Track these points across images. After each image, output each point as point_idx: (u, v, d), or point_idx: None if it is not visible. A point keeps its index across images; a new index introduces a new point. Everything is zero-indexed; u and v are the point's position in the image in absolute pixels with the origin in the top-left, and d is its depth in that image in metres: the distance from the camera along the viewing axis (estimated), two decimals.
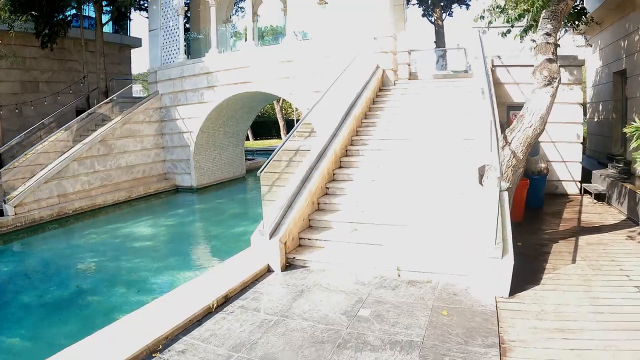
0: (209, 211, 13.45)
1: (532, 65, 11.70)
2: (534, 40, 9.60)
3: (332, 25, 12.52)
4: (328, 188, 7.41)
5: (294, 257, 6.15)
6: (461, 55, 16.83)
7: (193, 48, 17.79)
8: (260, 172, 5.84)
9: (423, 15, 18.84)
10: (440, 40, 18.48)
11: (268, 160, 6.04)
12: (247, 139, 35.10)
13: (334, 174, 7.77)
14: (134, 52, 26.19)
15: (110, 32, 24.65)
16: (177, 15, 15.96)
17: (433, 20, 18.71)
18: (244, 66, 13.82)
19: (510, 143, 6.15)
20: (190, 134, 15.73)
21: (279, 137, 35.41)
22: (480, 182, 6.45)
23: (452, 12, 20.72)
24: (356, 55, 10.24)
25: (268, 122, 39.73)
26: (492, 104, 6.59)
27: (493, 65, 11.12)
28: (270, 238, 5.98)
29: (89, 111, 15.04)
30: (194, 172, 16.02)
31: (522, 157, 6.20)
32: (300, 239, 6.51)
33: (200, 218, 13.18)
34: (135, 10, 22.47)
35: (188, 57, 16.14)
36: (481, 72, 9.52)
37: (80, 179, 14.40)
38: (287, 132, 27.91)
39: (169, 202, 15.43)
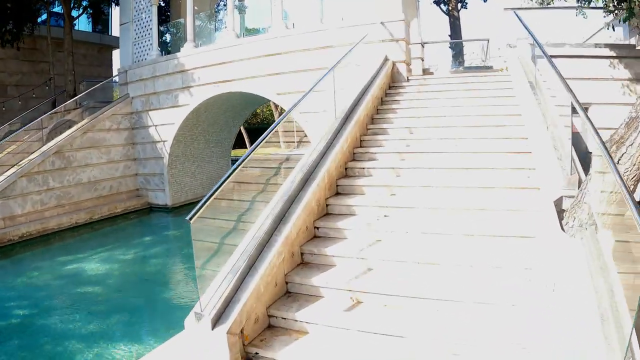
0: (180, 239, 10.99)
1: (586, 57, 9.39)
2: (613, 11, 7.22)
3: (329, 10, 10.16)
4: (318, 228, 4.95)
5: (256, 353, 3.70)
6: (483, 48, 14.42)
7: (174, 45, 15.49)
8: (191, 217, 3.39)
9: (436, 3, 16.31)
10: (456, 34, 16.09)
11: (209, 195, 3.59)
12: (244, 146, 32.75)
13: (327, 206, 5.31)
14: (117, 54, 24.03)
15: (89, 31, 22.65)
16: (151, 5, 13.63)
17: (447, 11, 16.33)
18: (224, 62, 11.43)
19: (617, 163, 3.69)
20: (163, 144, 13.31)
21: (278, 144, 32.97)
22: (562, 226, 4.00)
23: (467, 3, 18.36)
24: (358, 41, 7.83)
25: (267, 129, 37.29)
26: (575, 101, 4.19)
27: (532, 56, 8.73)
28: (213, 327, 3.53)
29: (42, 117, 12.66)
30: (169, 189, 13.57)
31: (633, 185, 3.74)
32: (270, 316, 4.05)
33: (167, 250, 10.70)
34: (112, 3, 20.19)
35: (163, 54, 13.77)
36: (535, 59, 7.17)
37: (30, 198, 12.06)
38: (287, 139, 25.42)
39: (136, 226, 13.01)
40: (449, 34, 16.37)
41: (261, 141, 4.44)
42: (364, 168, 5.98)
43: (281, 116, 4.84)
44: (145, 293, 8.14)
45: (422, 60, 11.87)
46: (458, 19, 16.14)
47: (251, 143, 34.24)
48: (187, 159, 13.96)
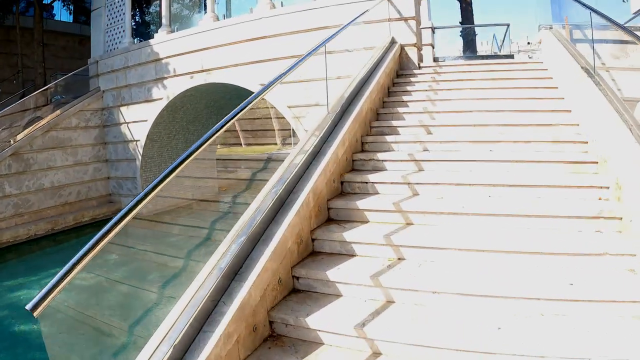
0: (140, 262, 9.40)
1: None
2: None
3: None
4: (298, 278, 3.33)
5: None
6: (496, 38, 12.81)
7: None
8: (35, 306, 1.81)
9: None
10: (468, 21, 14.50)
11: (58, 279, 2.01)
12: (237, 142, 31.09)
13: (312, 241, 3.68)
14: None
15: (70, 21, 21.16)
16: None
17: None
18: (200, 49, 9.77)
19: None
20: (136, 144, 11.68)
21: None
22: None
23: None
24: (358, 15, 6.19)
25: (262, 123, 35.57)
26: None
27: (571, 39, 7.12)
28: None
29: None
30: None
31: None
32: None
33: (136, 271, 9.08)
34: None
35: (136, 42, 12.14)
36: (593, 40, 5.57)
37: None
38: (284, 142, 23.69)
39: None
40: (460, 21, 14.78)
41: (187, 156, 2.83)
42: (367, 182, 4.35)
43: (235, 110, 3.24)
44: (96, 337, 6.53)
45: (433, 47, 10.29)
46: (470, 4, 14.54)
47: (244, 139, 32.55)
48: (163, 160, 12.29)
